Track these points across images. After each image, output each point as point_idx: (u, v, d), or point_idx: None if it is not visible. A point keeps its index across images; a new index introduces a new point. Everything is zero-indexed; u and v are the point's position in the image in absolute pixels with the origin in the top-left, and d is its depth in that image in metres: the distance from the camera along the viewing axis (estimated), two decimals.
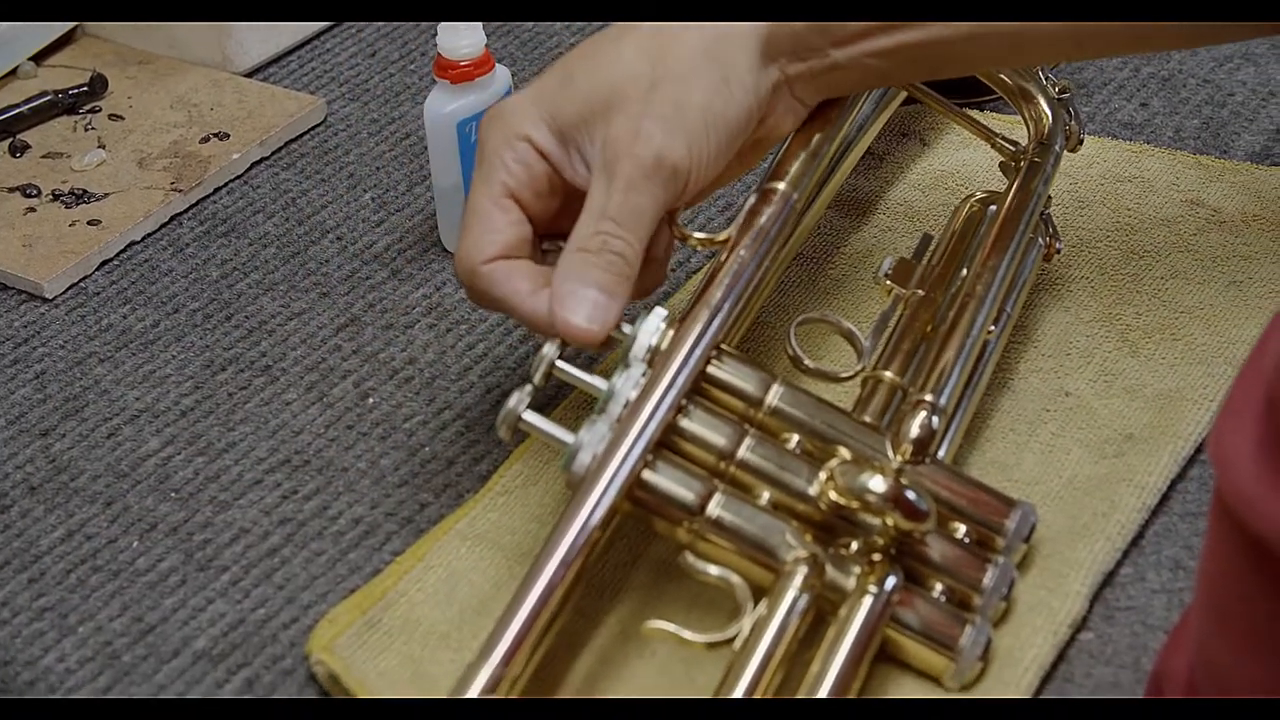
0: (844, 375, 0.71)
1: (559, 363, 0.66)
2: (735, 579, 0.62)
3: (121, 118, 1.00)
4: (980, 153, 0.91)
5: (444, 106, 0.85)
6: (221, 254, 0.91)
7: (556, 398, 0.78)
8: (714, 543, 0.64)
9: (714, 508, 0.64)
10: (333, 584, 0.72)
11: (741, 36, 0.68)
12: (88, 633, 0.70)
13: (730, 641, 0.61)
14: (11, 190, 0.95)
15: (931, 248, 0.79)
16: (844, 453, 0.66)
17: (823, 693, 0.61)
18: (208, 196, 0.95)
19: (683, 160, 0.66)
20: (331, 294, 0.87)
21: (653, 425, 0.64)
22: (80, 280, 0.90)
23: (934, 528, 0.64)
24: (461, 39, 0.84)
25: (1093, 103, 0.97)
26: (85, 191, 0.94)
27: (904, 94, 0.84)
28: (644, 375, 0.65)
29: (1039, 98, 0.83)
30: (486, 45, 0.85)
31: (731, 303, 0.67)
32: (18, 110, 1.00)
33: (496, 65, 0.86)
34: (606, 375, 0.66)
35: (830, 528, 0.65)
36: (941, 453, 0.69)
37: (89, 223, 0.92)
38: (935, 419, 0.67)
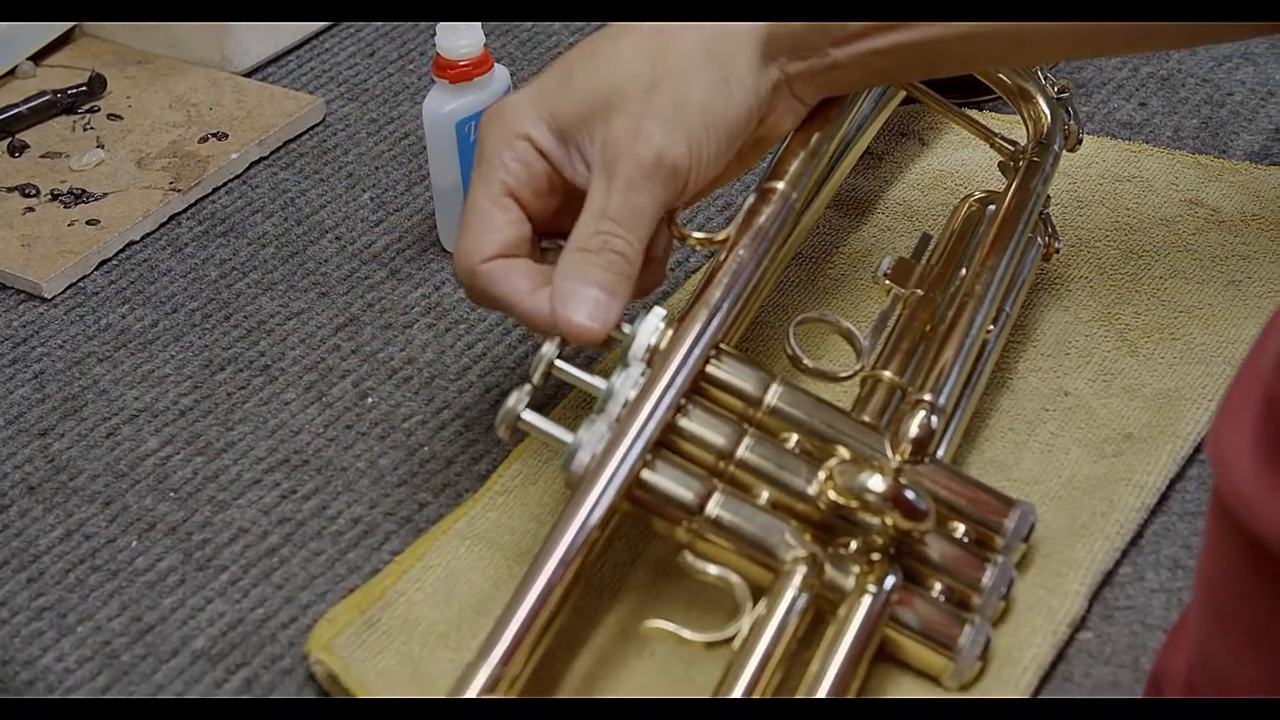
0: (843, 375, 0.71)
1: (558, 362, 0.66)
2: (734, 578, 0.62)
3: (120, 117, 1.00)
4: (979, 152, 0.91)
5: (443, 106, 0.85)
6: (220, 254, 0.91)
7: (555, 397, 0.78)
8: (713, 542, 0.64)
9: (713, 507, 0.64)
10: (331, 583, 0.72)
11: (741, 36, 0.68)
12: (86, 632, 0.70)
13: (729, 641, 0.61)
14: (10, 190, 0.95)
15: (930, 247, 0.79)
16: (843, 452, 0.66)
17: (822, 692, 0.61)
18: (206, 196, 0.95)
19: (683, 159, 0.66)
20: (330, 294, 0.87)
21: (652, 425, 0.64)
22: (79, 280, 0.90)
23: (933, 527, 0.64)
24: (460, 39, 0.84)
25: (1091, 102, 0.97)
26: (84, 191, 0.94)
27: (903, 93, 0.84)
28: (643, 375, 0.65)
29: (1038, 97, 0.83)
30: (485, 45, 0.85)
31: (730, 302, 0.67)
32: (16, 110, 1.00)
33: (495, 65, 0.86)
34: (605, 375, 0.66)
35: (829, 527, 0.65)
36: (940, 452, 0.69)
37: (88, 222, 0.92)
38: (934, 418, 0.67)
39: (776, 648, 0.61)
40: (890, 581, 0.64)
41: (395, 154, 0.97)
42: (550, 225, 0.70)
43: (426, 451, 0.78)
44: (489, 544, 0.71)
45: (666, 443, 0.65)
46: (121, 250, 0.91)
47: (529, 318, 0.68)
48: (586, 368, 0.67)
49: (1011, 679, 0.64)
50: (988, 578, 0.65)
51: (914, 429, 0.67)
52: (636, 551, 0.71)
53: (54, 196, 0.94)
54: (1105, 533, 0.69)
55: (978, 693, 0.64)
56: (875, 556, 0.64)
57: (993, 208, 0.79)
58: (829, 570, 0.64)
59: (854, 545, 0.64)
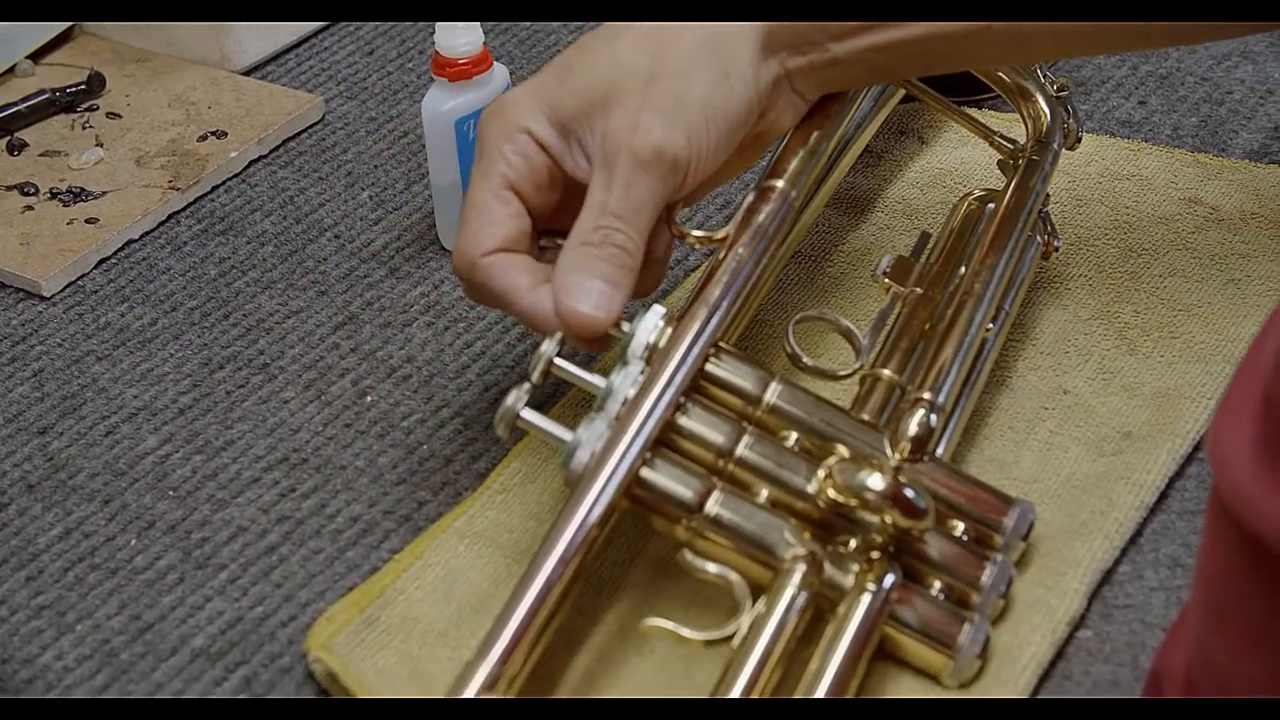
0: (842, 373, 0.71)
1: (557, 360, 0.66)
2: (734, 577, 0.62)
3: (119, 116, 1.00)
4: (978, 151, 0.91)
5: (442, 104, 0.85)
6: (219, 252, 0.91)
7: (555, 396, 0.78)
8: (712, 540, 0.64)
9: (712, 505, 0.64)
10: (331, 582, 0.71)
11: (742, 30, 0.68)
12: (85, 631, 0.70)
13: (729, 639, 0.61)
14: (9, 188, 0.95)
15: (930, 246, 0.79)
16: (842, 450, 0.66)
17: (821, 690, 0.61)
18: (205, 195, 0.95)
19: (682, 152, 0.66)
20: (329, 292, 0.87)
21: (651, 423, 0.64)
22: (78, 278, 0.89)
23: (932, 525, 0.64)
24: (459, 37, 0.84)
25: (1091, 100, 0.97)
26: (83, 190, 0.94)
27: (902, 92, 0.84)
28: (642, 373, 0.65)
29: (1037, 95, 0.83)
30: (484, 43, 0.85)
31: (730, 301, 0.67)
32: (15, 108, 1.00)
33: (494, 63, 0.86)
34: (605, 373, 0.66)
35: (829, 525, 0.65)
36: (940, 450, 0.69)
37: (87, 221, 0.92)
38: (933, 417, 0.67)
39: (776, 646, 0.61)
40: (890, 580, 0.64)
41: (394, 152, 0.97)
42: (550, 221, 0.70)
43: (425, 450, 0.78)
44: (488, 542, 0.71)
45: (666, 441, 0.65)
46: (120, 249, 0.91)
47: (528, 314, 0.68)
48: (586, 366, 0.67)
49: (1011, 677, 0.64)
50: (987, 576, 0.65)
51: (913, 427, 0.67)
52: (636, 550, 0.71)
53: (53, 195, 0.94)
54: (1104, 531, 0.69)
55: (977, 691, 0.64)
56: (874, 555, 0.64)
57: (992, 206, 0.79)
58: (828, 568, 0.64)
59: (853, 543, 0.64)
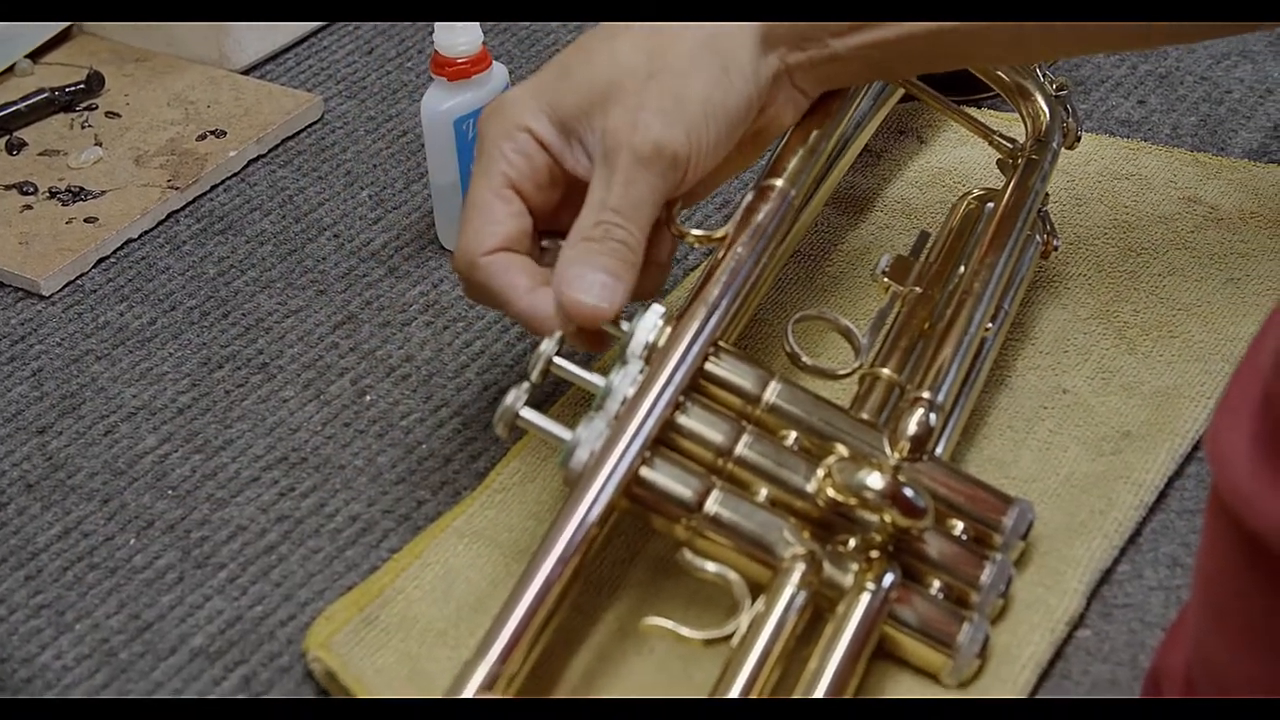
0: (841, 372, 0.71)
1: (556, 359, 0.66)
2: (733, 576, 0.62)
3: (118, 115, 1.00)
4: (978, 150, 0.91)
5: (441, 104, 0.85)
6: (218, 251, 0.91)
7: (554, 395, 0.78)
8: (712, 539, 0.64)
9: (712, 504, 0.64)
10: (330, 581, 0.71)
11: (741, 26, 0.68)
12: (85, 630, 0.70)
13: (728, 638, 0.61)
14: (8, 188, 0.95)
15: (929, 245, 0.79)
16: (842, 450, 0.66)
17: (820, 690, 0.61)
18: (205, 194, 0.95)
19: (682, 148, 0.66)
20: (328, 291, 0.87)
21: (650, 422, 0.64)
22: (77, 278, 0.89)
23: (931, 525, 0.64)
24: (458, 36, 0.84)
25: (1090, 100, 0.97)
26: (82, 189, 0.94)
27: (901, 91, 0.84)
28: (641, 372, 0.65)
29: (1036, 95, 0.82)
30: (483, 43, 0.85)
31: (729, 300, 0.67)
32: (14, 108, 0.99)
33: (493, 63, 0.86)
34: (604, 372, 0.66)
35: (828, 525, 0.65)
36: (939, 450, 0.69)
37: (86, 220, 0.92)
38: (933, 416, 0.67)
39: (775, 645, 0.61)
40: (889, 579, 0.64)
41: (393, 152, 0.97)
42: (551, 221, 0.70)
43: (425, 449, 0.78)
44: (487, 541, 0.71)
45: (665, 440, 0.65)
46: (120, 248, 0.91)
47: (525, 315, 0.68)
48: (585, 365, 0.67)
49: (1010, 676, 0.64)
50: (986, 575, 0.65)
51: (912, 426, 0.67)
52: (635, 549, 0.71)
53: (52, 194, 0.94)
54: (1104, 530, 0.69)
55: (976, 690, 0.64)
56: (874, 554, 0.64)
57: (991, 205, 0.79)
58: (827, 568, 0.64)
59: (853, 543, 0.64)
